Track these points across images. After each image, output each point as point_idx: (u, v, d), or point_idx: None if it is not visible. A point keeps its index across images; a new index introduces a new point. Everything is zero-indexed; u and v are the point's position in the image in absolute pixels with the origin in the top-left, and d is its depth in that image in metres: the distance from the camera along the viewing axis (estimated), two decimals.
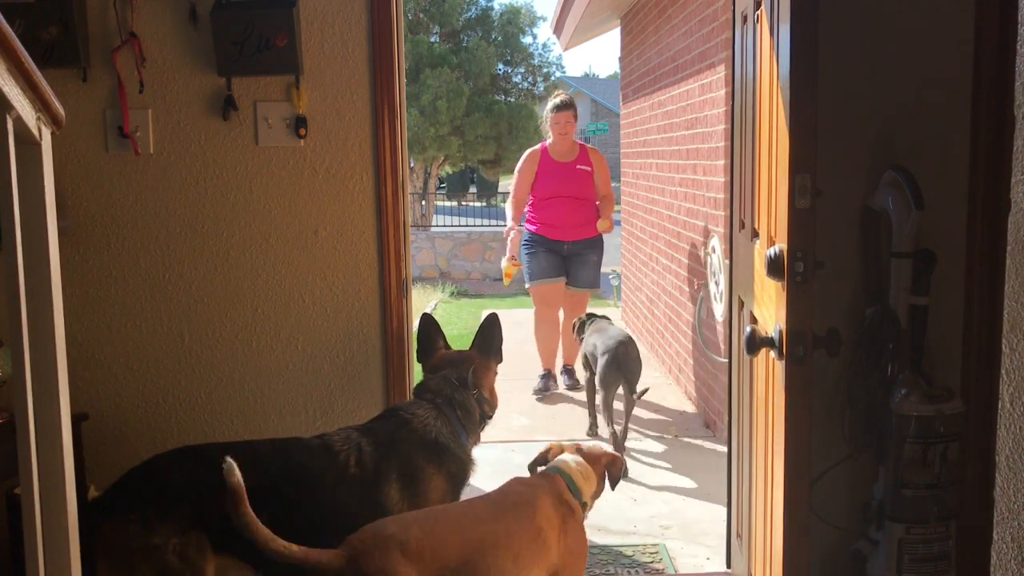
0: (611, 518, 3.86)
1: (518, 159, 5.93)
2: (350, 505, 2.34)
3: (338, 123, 3.03)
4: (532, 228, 5.70)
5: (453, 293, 11.57)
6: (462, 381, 2.68)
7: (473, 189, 29.16)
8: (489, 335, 2.80)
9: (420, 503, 2.42)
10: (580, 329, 5.18)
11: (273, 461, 2.37)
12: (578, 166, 5.64)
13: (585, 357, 4.95)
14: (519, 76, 20.41)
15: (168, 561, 2.11)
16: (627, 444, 4.67)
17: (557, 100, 5.69)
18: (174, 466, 2.30)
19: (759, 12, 2.49)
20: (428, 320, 2.86)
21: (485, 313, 3.05)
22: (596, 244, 5.70)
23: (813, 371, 2.17)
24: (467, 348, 2.87)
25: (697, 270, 5.35)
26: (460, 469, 2.57)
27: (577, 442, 2.69)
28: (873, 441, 2.69)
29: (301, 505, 2.32)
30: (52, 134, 1.63)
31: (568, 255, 5.65)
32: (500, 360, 2.84)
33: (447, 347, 2.87)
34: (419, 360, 2.84)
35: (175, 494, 2.20)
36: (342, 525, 2.31)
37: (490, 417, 2.77)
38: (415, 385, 2.80)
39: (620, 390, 4.64)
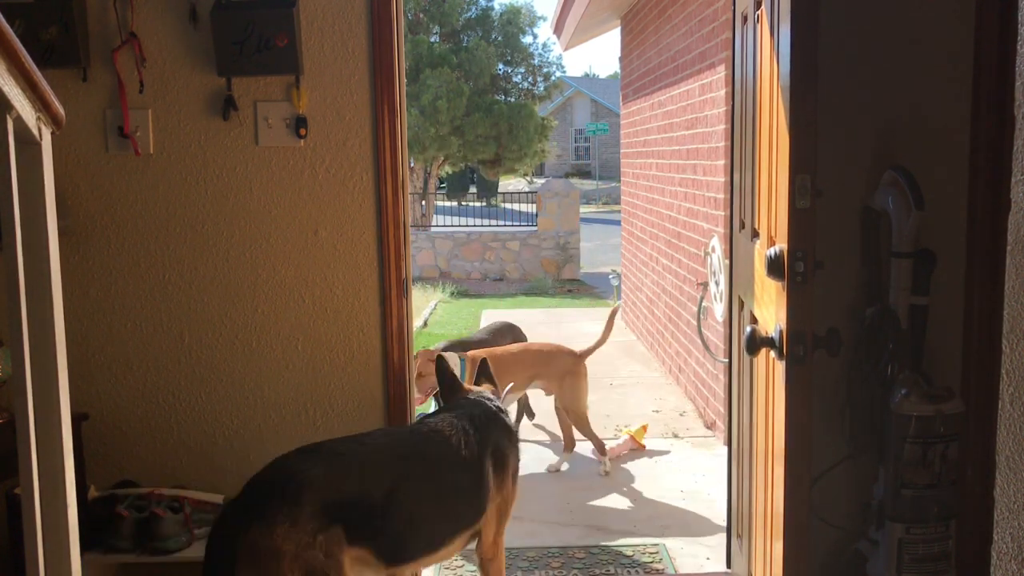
0: (611, 518, 3.86)
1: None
2: (462, 483, 2.51)
3: (338, 123, 3.03)
4: None
5: (453, 293, 11.57)
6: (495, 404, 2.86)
7: (473, 189, 29.14)
8: (490, 373, 3.05)
9: (499, 483, 2.61)
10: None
11: (400, 451, 2.47)
12: None
13: None
14: (519, 76, 20.35)
15: (314, 558, 2.11)
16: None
17: None
18: (301, 464, 2.27)
19: (759, 12, 2.50)
20: (444, 362, 2.97)
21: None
22: None
23: (813, 371, 2.17)
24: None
25: (697, 270, 5.35)
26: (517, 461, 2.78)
27: None
28: (873, 441, 2.69)
29: (428, 489, 2.43)
30: (52, 134, 1.63)
31: None
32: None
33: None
34: (444, 399, 2.91)
35: (310, 491, 2.18)
36: (458, 504, 2.52)
37: None
38: (455, 401, 2.83)
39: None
